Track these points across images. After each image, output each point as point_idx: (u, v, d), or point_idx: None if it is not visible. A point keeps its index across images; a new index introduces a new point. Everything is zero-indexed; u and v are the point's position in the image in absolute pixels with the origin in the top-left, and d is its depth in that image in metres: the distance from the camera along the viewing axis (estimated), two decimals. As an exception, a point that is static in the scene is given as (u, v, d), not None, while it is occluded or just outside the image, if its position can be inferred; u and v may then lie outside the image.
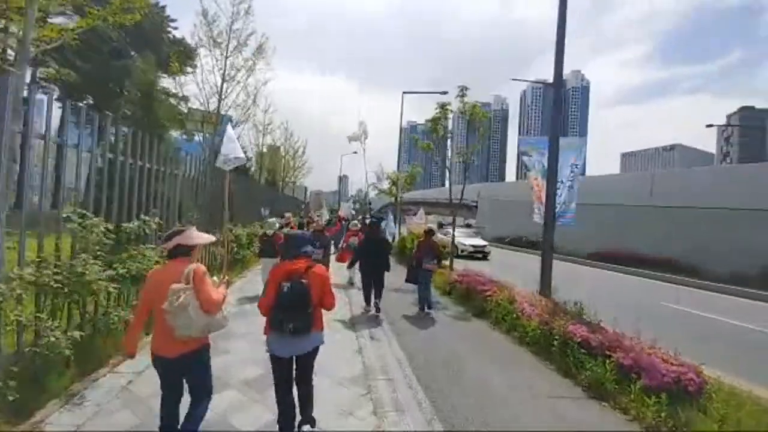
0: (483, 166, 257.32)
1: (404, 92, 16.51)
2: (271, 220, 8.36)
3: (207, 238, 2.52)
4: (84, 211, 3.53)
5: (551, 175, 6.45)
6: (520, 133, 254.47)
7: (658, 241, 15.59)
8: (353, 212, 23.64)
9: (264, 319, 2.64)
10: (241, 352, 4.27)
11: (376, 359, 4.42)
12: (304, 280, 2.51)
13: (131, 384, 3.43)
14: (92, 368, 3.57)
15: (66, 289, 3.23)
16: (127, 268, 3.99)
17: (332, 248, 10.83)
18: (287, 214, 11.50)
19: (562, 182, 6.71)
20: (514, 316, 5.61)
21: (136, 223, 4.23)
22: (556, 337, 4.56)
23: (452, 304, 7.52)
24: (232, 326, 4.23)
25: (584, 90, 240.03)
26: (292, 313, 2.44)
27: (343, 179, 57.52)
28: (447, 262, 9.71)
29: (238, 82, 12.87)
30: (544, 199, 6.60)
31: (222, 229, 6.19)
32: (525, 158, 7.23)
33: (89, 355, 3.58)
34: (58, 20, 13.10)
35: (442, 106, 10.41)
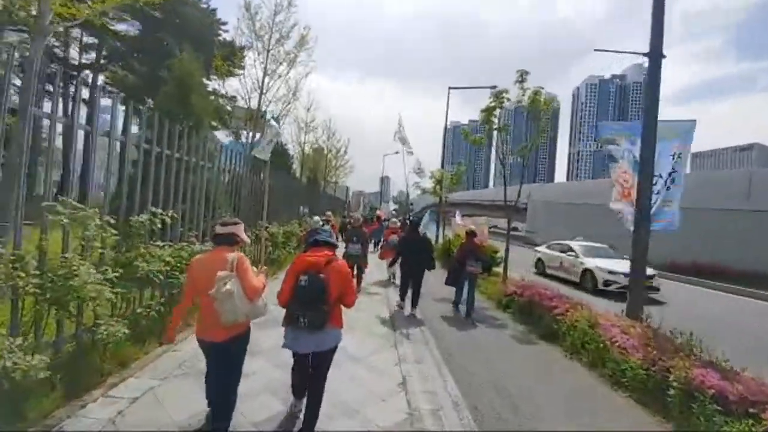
0: (530, 167, 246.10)
1: (450, 87, 15.54)
2: (315, 218, 8.45)
3: (247, 239, 2.62)
4: (74, 202, 2.93)
5: (645, 166, 5.11)
6: (571, 133, 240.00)
7: (754, 251, 13.08)
8: (393, 212, 24.31)
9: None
10: (262, 376, 3.51)
11: (425, 400, 3.39)
12: (322, 275, 2.43)
13: (121, 415, 2.76)
14: (84, 389, 2.98)
15: (48, 295, 2.64)
16: (137, 267, 3.41)
17: (371, 246, 11.31)
18: (328, 213, 11.22)
19: (660, 176, 5.33)
20: (601, 345, 4.38)
21: (145, 217, 3.63)
22: (674, 383, 3.33)
23: (511, 321, 6.36)
24: (258, 338, 3.57)
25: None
26: (308, 307, 2.38)
27: (384, 180, 57.19)
28: (498, 269, 8.77)
29: (280, 75, 12.58)
30: (635, 198, 5.27)
31: (257, 225, 6.00)
32: (611, 147, 5.87)
33: (81, 373, 3.00)
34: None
35: (497, 95, 9.14)
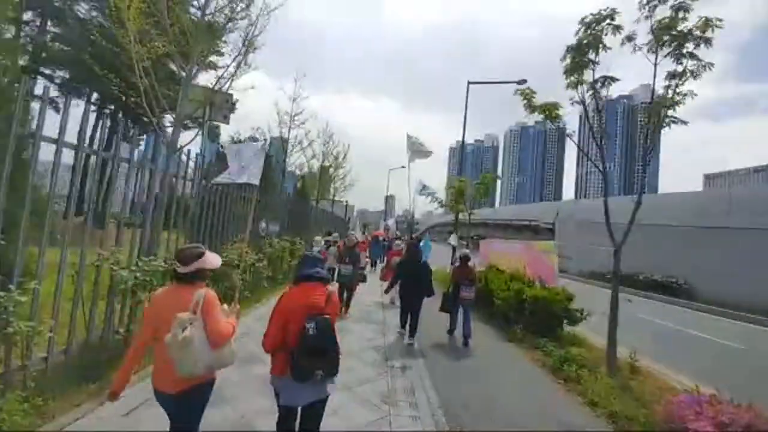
0: (536, 188, 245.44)
1: (470, 82, 14.19)
2: (317, 238, 8.18)
3: (218, 258, 2.24)
4: None
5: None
6: (578, 153, 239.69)
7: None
8: (397, 232, 22.22)
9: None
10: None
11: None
12: (327, 315, 2.24)
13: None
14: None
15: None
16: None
17: (370, 266, 11.25)
18: (335, 234, 10.43)
19: None
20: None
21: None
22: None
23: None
24: (229, 391, 3.34)
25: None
26: (322, 357, 2.16)
27: (389, 199, 56.92)
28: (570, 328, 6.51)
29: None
30: None
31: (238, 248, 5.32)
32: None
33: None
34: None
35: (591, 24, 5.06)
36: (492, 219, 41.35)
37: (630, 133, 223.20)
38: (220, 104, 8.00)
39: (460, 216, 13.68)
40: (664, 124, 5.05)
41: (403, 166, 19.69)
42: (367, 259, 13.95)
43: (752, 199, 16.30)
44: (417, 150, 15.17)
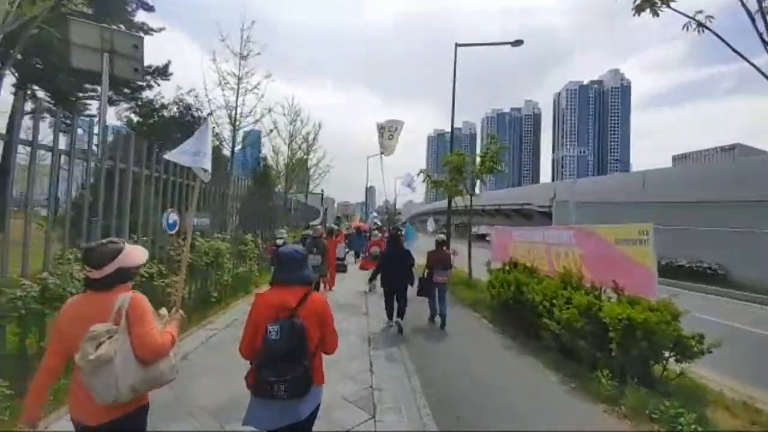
0: (515, 174, 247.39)
1: (457, 44, 12.46)
2: (281, 230, 7.83)
3: (142, 252, 1.79)
4: None
5: None
6: (554, 137, 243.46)
7: None
8: (378, 223, 20.66)
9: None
10: None
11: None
12: (297, 319, 1.81)
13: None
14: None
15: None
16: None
17: (353, 257, 12.55)
18: (317, 226, 8.13)
19: None
20: None
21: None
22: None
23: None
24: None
25: (625, 89, 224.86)
26: (284, 366, 1.74)
27: (370, 190, 54.26)
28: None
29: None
30: None
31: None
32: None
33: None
34: None
35: None
36: (479, 205, 39.00)
37: (602, 117, 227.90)
38: (127, 50, 5.54)
39: (457, 202, 11.11)
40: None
41: (382, 152, 18.10)
42: (347, 251, 13.98)
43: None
44: (389, 131, 14.11)
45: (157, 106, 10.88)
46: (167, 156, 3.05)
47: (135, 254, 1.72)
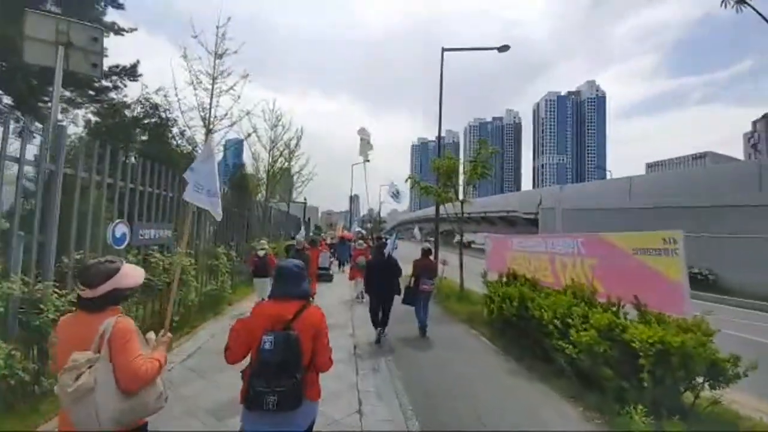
0: (497, 181, 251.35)
1: (444, 48, 12.33)
2: (262, 241, 7.64)
3: (140, 272, 1.74)
4: None
5: None
6: (534, 146, 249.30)
7: None
8: (363, 232, 20.41)
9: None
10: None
11: None
12: (292, 332, 1.81)
13: None
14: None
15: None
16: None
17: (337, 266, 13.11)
18: (300, 239, 8.20)
19: None
20: None
21: None
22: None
23: None
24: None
25: (600, 100, 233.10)
26: (277, 378, 1.72)
27: (354, 199, 53.51)
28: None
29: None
30: None
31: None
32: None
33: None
34: None
35: None
36: (466, 212, 39.02)
37: (580, 126, 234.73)
38: (85, 44, 4.89)
39: (447, 209, 10.62)
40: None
41: (368, 160, 18.10)
42: (332, 260, 13.98)
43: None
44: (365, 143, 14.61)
45: (118, 105, 9.94)
46: (186, 197, 2.78)
47: (132, 275, 1.66)
